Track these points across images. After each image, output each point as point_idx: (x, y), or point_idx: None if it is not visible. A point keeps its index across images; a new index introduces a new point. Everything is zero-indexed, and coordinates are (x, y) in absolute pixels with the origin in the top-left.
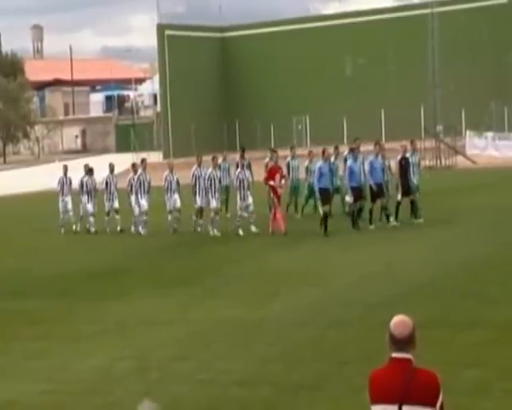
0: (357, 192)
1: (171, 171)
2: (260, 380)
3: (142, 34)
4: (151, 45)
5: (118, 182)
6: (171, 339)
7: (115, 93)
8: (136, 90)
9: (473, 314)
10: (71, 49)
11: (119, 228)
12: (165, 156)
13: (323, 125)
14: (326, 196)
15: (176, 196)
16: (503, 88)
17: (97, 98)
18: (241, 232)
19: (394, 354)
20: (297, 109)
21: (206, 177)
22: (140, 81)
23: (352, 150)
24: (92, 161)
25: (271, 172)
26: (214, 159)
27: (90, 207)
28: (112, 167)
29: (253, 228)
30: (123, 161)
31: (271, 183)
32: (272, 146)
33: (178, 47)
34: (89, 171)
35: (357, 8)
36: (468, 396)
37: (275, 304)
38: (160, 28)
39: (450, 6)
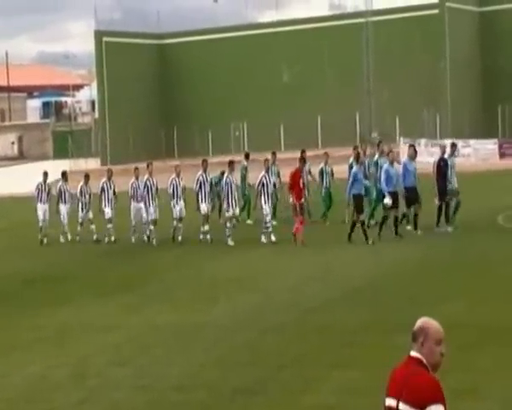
0: (394, 198)
1: (178, 175)
2: (198, 385)
3: (79, 41)
4: (89, 52)
5: (114, 188)
6: (110, 345)
7: (53, 99)
8: (73, 96)
9: (407, 317)
10: (7, 54)
11: (113, 238)
12: (103, 163)
13: (261, 131)
14: (360, 202)
15: (182, 202)
16: (435, 96)
17: (34, 104)
18: (273, 238)
19: (410, 352)
20: (235, 116)
21: (224, 182)
22: (78, 87)
23: (388, 154)
24: (29, 167)
25: (295, 178)
26: (231, 164)
27: (82, 214)
28: (110, 173)
29: (265, 237)
30: (60, 167)
31: (293, 198)
32: (210, 153)
33: (116, 53)
34: (85, 177)
35: (294, 16)
36: None
37: (214, 309)
38: (98, 35)
39: (384, 15)
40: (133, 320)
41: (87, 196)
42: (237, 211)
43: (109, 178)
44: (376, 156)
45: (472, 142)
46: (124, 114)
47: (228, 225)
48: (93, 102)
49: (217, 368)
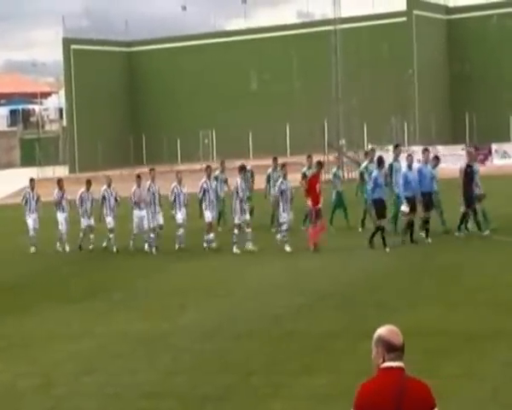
0: (412, 203)
1: (180, 183)
2: (167, 393)
3: (46, 48)
4: (56, 59)
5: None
6: (77, 353)
7: (20, 107)
8: (41, 104)
9: (376, 324)
10: None
11: (115, 248)
12: (71, 171)
13: (229, 139)
14: (382, 207)
15: (183, 210)
16: (403, 103)
17: (1, 112)
18: (288, 249)
19: (389, 364)
20: (203, 123)
21: (236, 187)
22: (45, 95)
23: (407, 157)
24: None
25: (312, 183)
26: (242, 170)
27: (84, 221)
28: (110, 180)
29: (288, 248)
30: (28, 175)
31: (309, 203)
32: (179, 160)
33: (84, 61)
34: (86, 183)
35: (262, 24)
36: None
37: (182, 317)
38: (66, 42)
39: (353, 23)
40: (100, 328)
41: (88, 203)
42: (247, 217)
43: (109, 185)
44: (391, 160)
45: (440, 148)
46: (92, 121)
47: (236, 231)
48: (61, 110)
49: (186, 376)
